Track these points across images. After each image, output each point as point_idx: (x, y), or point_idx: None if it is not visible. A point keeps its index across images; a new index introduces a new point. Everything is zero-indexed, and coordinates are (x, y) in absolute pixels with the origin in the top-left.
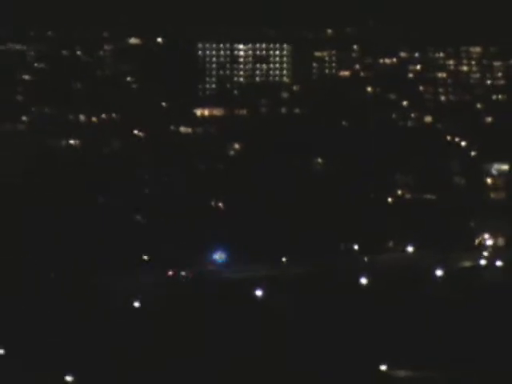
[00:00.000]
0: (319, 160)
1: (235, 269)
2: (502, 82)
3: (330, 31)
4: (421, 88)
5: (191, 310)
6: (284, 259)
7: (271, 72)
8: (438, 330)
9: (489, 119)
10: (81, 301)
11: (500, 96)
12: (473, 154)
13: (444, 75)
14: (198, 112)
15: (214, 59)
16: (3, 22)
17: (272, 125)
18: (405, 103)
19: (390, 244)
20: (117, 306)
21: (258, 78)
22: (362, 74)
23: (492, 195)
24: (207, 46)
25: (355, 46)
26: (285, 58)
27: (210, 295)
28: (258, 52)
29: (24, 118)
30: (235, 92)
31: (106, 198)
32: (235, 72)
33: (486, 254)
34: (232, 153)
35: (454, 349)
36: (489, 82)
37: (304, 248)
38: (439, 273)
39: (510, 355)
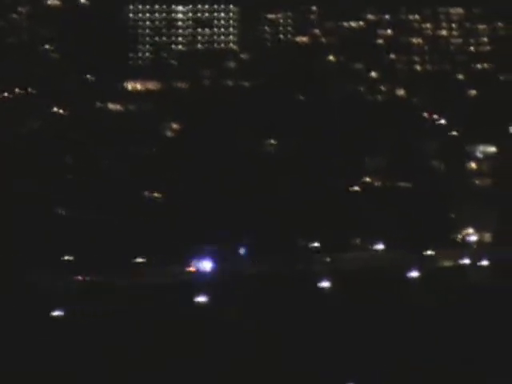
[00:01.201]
0: (272, 141)
1: (173, 270)
2: (487, 48)
3: None
4: (392, 56)
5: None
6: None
7: (215, 38)
8: (411, 342)
9: (472, 92)
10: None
11: (485, 65)
12: (454, 133)
13: (419, 41)
14: (130, 86)
15: (148, 23)
16: None
17: (217, 100)
18: (373, 74)
19: (357, 241)
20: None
21: (199, 45)
22: (322, 39)
23: (477, 182)
24: (139, 7)
25: (314, 7)
26: (231, 22)
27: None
28: (199, 14)
29: None
30: (173, 62)
31: (23, 187)
32: (173, 38)
33: (469, 251)
34: (169, 134)
35: (427, 363)
36: (472, 48)
37: (254, 245)
38: (414, 274)
39: (489, 366)
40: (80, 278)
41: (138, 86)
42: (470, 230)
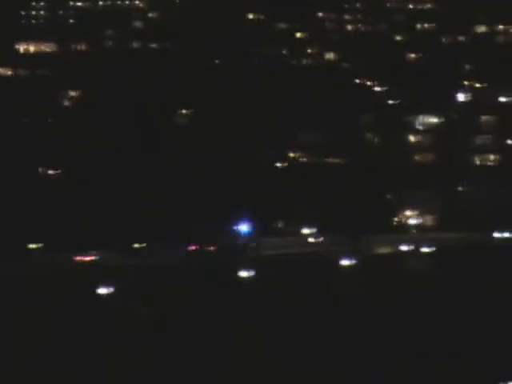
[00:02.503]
0: (184, 111)
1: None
2: (428, 5)
3: None
4: (320, 14)
5: None
6: (140, 245)
7: None
8: (342, 342)
9: (412, 56)
10: None
11: (427, 25)
12: (391, 102)
13: None
14: (21, 48)
15: None
16: None
17: (121, 64)
18: (299, 35)
19: (281, 225)
20: None
21: (101, 2)
22: None
23: (417, 158)
24: None
25: None
26: None
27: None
28: None
29: None
30: (71, 21)
31: None
32: None
33: (409, 236)
34: (67, 103)
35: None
36: (411, 6)
37: (169, 231)
38: (347, 262)
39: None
40: None
41: (32, 48)
42: (410, 213)
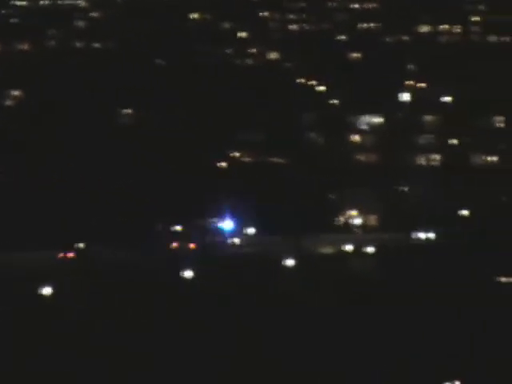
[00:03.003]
0: (128, 110)
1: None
2: (371, 5)
3: None
4: (263, 14)
5: None
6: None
7: None
8: (283, 342)
9: (355, 55)
10: None
11: (372, 24)
12: (334, 102)
13: None
14: None
15: None
16: None
17: (63, 64)
18: (243, 34)
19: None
20: None
21: (42, 2)
22: None
23: (360, 158)
24: None
25: None
26: None
27: None
28: None
29: None
30: (12, 20)
31: None
32: None
33: (352, 236)
34: (9, 102)
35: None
36: (356, 5)
37: (107, 230)
38: (289, 262)
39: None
40: None
41: None
42: (353, 213)
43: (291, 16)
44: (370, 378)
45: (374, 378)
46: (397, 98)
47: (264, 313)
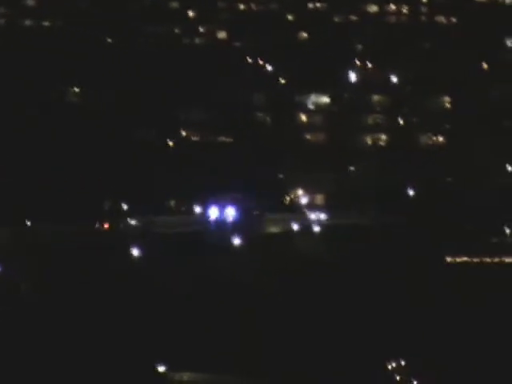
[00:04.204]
0: (76, 89)
1: None
2: None
3: None
4: None
5: None
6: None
7: None
8: (225, 327)
9: (304, 35)
10: None
11: (319, 4)
12: (282, 81)
13: None
14: None
15: None
16: None
17: (12, 42)
18: (190, 14)
19: (172, 203)
20: None
21: None
22: None
23: (308, 137)
24: None
25: None
26: None
27: None
28: None
29: None
30: None
31: None
32: None
33: (299, 215)
34: None
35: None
36: None
37: (54, 208)
38: (236, 241)
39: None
40: None
41: None
42: (300, 192)
43: None
44: (316, 360)
45: (319, 360)
46: (345, 77)
47: (214, 291)
